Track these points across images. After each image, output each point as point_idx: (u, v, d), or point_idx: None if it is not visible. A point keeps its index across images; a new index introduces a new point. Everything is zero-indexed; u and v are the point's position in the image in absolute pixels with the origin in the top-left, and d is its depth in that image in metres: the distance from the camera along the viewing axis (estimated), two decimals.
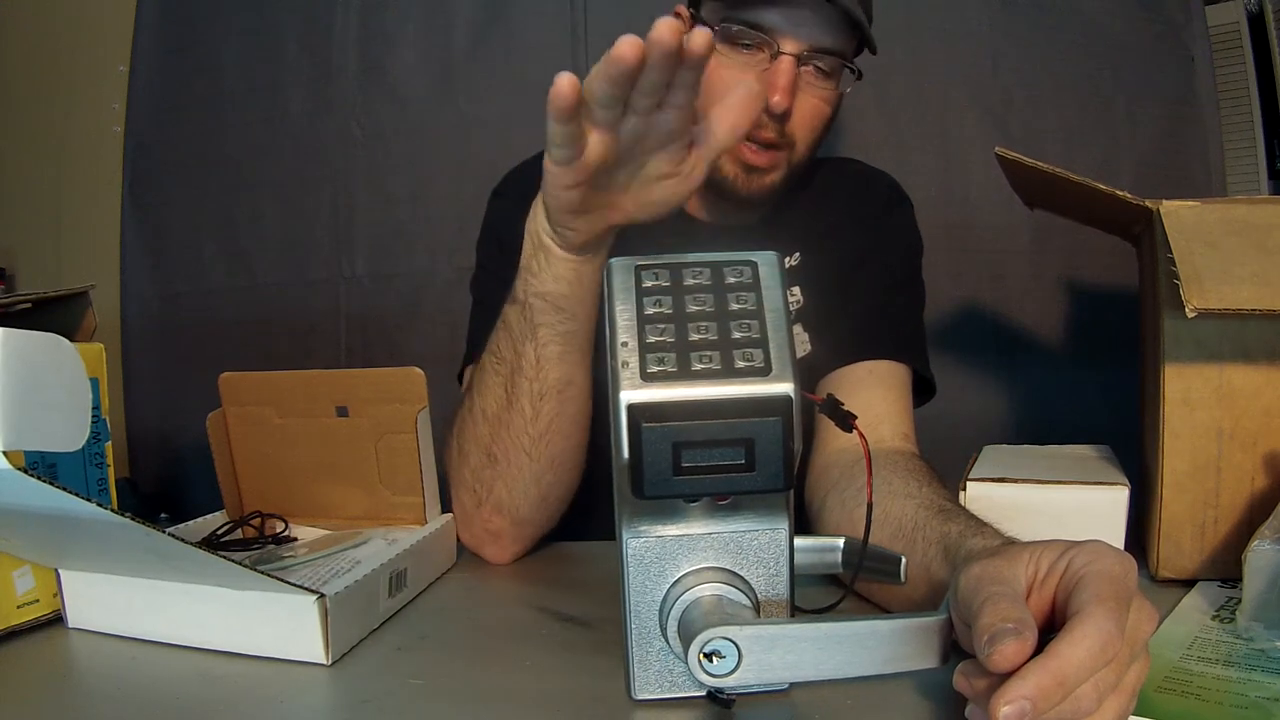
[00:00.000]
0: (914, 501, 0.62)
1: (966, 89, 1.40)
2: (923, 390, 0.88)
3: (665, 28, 0.47)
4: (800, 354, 0.85)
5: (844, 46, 0.80)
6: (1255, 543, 0.54)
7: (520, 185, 0.93)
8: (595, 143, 0.52)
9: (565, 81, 0.48)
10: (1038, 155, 0.68)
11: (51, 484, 0.43)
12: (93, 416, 0.50)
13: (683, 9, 0.86)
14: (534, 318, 0.65)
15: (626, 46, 0.47)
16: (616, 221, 0.61)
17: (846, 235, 0.90)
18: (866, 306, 0.86)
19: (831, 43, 0.79)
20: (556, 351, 0.65)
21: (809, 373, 0.85)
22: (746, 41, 0.79)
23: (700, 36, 0.48)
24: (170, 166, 1.59)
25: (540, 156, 0.93)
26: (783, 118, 0.79)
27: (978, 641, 0.39)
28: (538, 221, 0.62)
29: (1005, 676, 0.37)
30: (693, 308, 0.45)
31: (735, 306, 0.45)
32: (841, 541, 0.53)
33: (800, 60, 0.78)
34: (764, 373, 0.43)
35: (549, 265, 0.63)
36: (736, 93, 0.56)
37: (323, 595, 0.54)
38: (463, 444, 0.72)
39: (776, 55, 0.77)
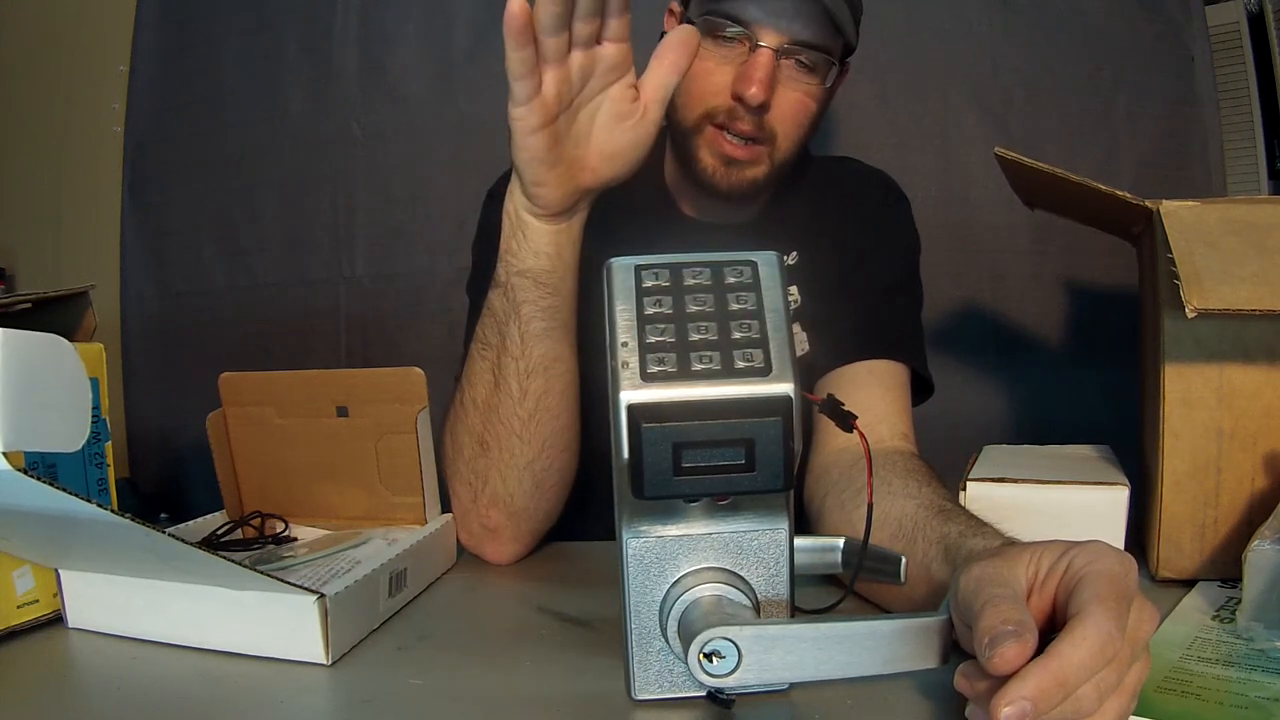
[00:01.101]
0: (914, 502, 0.62)
1: (966, 89, 1.40)
2: (921, 389, 0.87)
3: None
4: (799, 354, 0.85)
5: (827, 41, 0.80)
6: (1255, 543, 0.54)
7: None
8: (549, 80, 0.60)
9: (516, 5, 0.56)
10: (1038, 155, 0.68)
11: (51, 484, 0.43)
12: (93, 416, 0.50)
13: (675, 5, 0.87)
14: (516, 296, 0.67)
15: None
16: (586, 182, 0.65)
17: (844, 234, 0.89)
18: (865, 306, 0.86)
19: (811, 36, 0.78)
20: (540, 328, 0.67)
21: (807, 372, 0.85)
22: (727, 34, 0.79)
23: None
24: (170, 166, 1.59)
25: None
26: (760, 110, 0.79)
27: (978, 644, 0.39)
28: (514, 199, 0.66)
29: (1006, 678, 0.37)
30: (693, 308, 0.45)
31: (735, 306, 0.45)
32: (842, 542, 0.53)
33: (780, 54, 0.78)
34: (764, 373, 0.42)
35: (527, 240, 0.66)
36: (672, 35, 0.64)
37: (323, 595, 0.54)
38: (456, 436, 0.73)
39: (755, 48, 0.78)
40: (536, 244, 0.66)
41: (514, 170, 0.65)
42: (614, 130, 0.64)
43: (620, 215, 0.79)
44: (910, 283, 0.91)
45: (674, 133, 0.86)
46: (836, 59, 0.81)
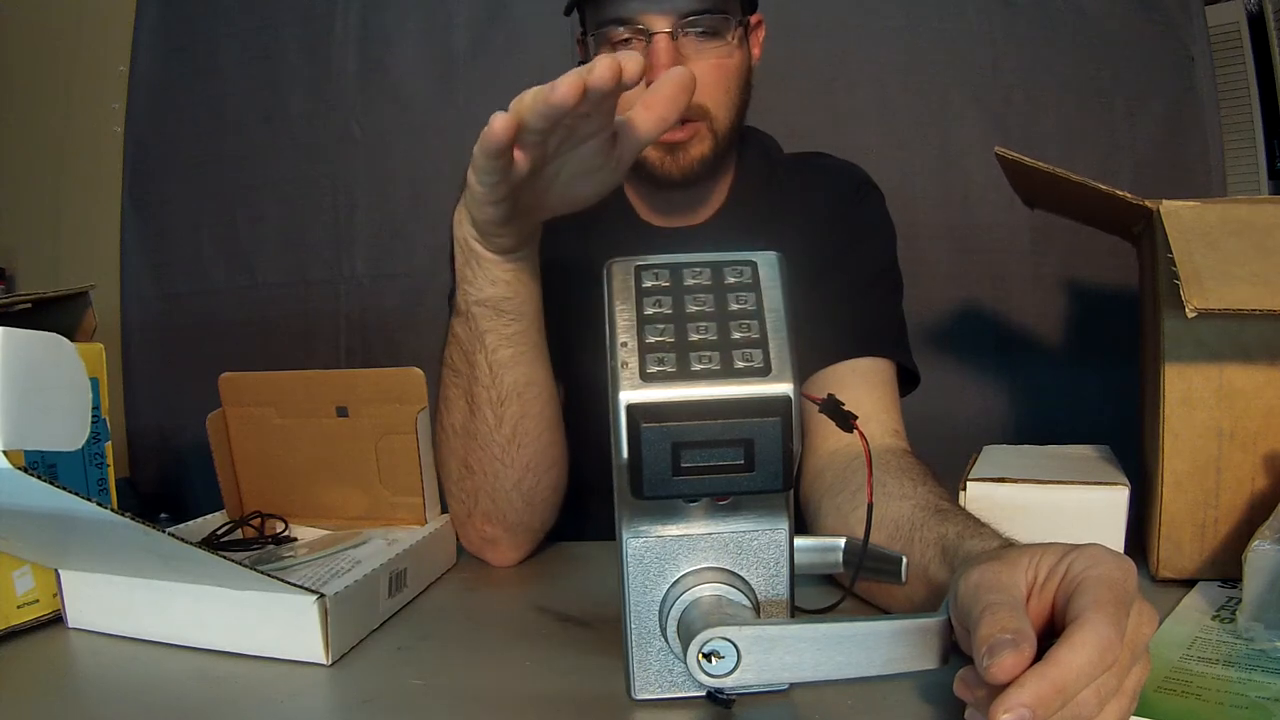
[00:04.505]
0: (910, 502, 0.62)
1: (966, 89, 1.40)
2: (907, 380, 0.86)
3: (606, 70, 0.48)
4: None
5: (714, 3, 0.79)
6: (1255, 543, 0.53)
7: None
8: (520, 160, 0.54)
9: (500, 125, 0.50)
10: (1038, 155, 0.68)
11: (52, 484, 0.43)
12: (93, 416, 0.50)
13: (580, 35, 0.86)
14: (478, 325, 0.64)
15: (568, 90, 0.48)
16: (544, 219, 0.63)
17: (819, 230, 0.88)
18: (845, 303, 0.84)
19: (697, 4, 0.78)
20: (508, 355, 0.65)
21: None
22: (622, 37, 0.79)
23: (632, 64, 0.49)
24: (170, 166, 1.59)
25: None
26: None
27: (977, 652, 0.39)
28: (464, 229, 0.62)
29: (1006, 684, 0.37)
30: (692, 308, 0.45)
31: (735, 307, 0.45)
32: (843, 542, 0.53)
33: (675, 35, 0.78)
34: (763, 373, 0.42)
35: (483, 270, 0.63)
36: (663, 82, 0.55)
37: (323, 595, 0.54)
38: (442, 458, 0.73)
39: (650, 38, 0.78)
40: (492, 274, 0.63)
41: (464, 202, 0.61)
42: (581, 181, 0.59)
43: (577, 233, 0.78)
44: (889, 274, 0.90)
45: None
46: (734, 14, 0.81)
